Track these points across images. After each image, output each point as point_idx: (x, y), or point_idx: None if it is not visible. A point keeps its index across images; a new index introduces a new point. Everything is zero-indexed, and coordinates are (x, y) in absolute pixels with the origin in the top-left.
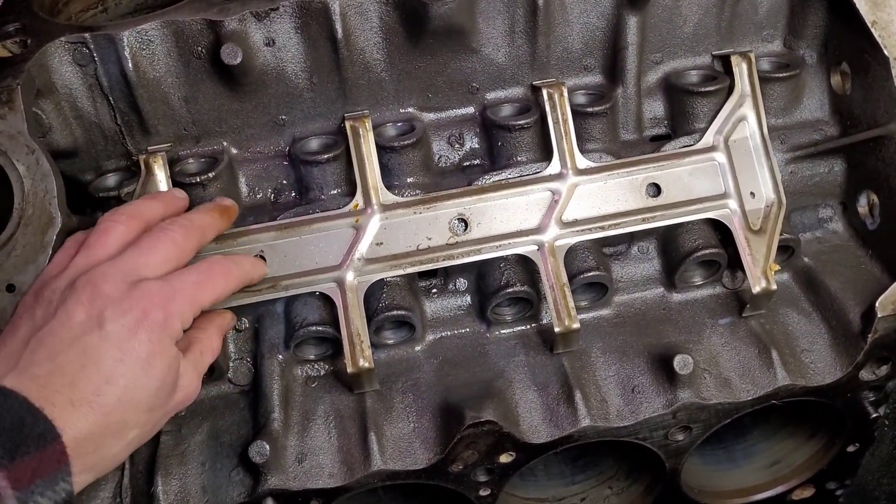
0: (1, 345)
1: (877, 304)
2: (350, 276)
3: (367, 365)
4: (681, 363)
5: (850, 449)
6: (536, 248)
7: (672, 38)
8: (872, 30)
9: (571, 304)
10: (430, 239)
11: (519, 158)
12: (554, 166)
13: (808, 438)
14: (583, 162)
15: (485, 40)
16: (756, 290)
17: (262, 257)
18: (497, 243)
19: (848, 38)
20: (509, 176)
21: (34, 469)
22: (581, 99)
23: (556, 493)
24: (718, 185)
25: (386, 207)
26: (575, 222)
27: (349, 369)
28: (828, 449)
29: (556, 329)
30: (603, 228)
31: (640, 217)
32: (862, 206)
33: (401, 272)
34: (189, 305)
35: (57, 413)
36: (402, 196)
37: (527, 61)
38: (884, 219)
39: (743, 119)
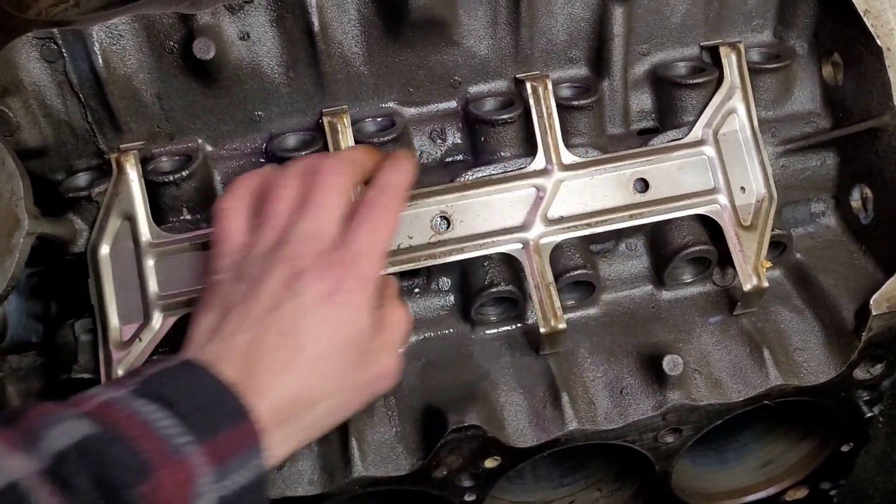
0: (199, 319)
1: (871, 302)
2: None
3: None
4: (670, 364)
5: (845, 449)
6: (521, 246)
7: (659, 29)
8: (865, 19)
9: (557, 303)
10: (411, 238)
11: (503, 154)
12: (538, 162)
13: (802, 438)
14: (568, 157)
15: (466, 32)
16: (747, 287)
17: None
18: (480, 241)
19: (839, 27)
20: (493, 172)
21: (229, 446)
22: (566, 92)
23: (545, 497)
24: (708, 180)
25: None
26: (560, 219)
27: None
28: (821, 449)
29: (542, 329)
30: (589, 225)
31: (627, 213)
32: (855, 200)
33: (382, 272)
34: (374, 258)
35: (255, 383)
36: None
37: (510, 54)
38: (877, 213)
39: (732, 112)
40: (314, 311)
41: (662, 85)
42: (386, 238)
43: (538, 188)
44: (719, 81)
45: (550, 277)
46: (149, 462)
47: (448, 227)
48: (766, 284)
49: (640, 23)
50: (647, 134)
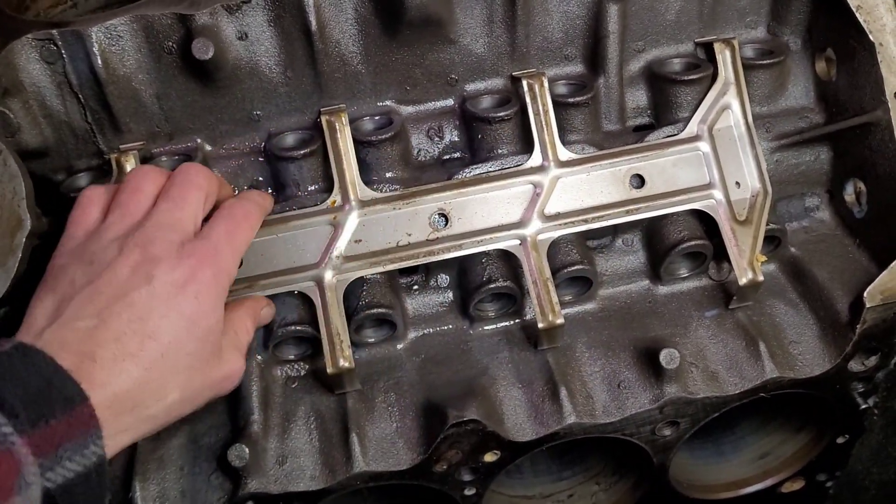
0: (37, 302)
1: (865, 295)
2: (328, 275)
3: (347, 365)
4: (667, 357)
5: (840, 440)
6: (518, 242)
7: (654, 26)
8: (857, 14)
9: (555, 298)
10: (409, 235)
11: (499, 151)
12: (535, 158)
13: (798, 430)
14: (565, 154)
15: (463, 31)
16: (742, 281)
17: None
18: (478, 238)
19: (832, 23)
20: (490, 169)
21: (61, 434)
22: (562, 89)
23: (544, 490)
24: (703, 176)
25: (364, 203)
26: (557, 215)
27: (329, 370)
28: (817, 441)
29: (540, 325)
30: (586, 221)
31: (623, 209)
32: (849, 195)
33: (381, 269)
34: (231, 256)
35: (95, 371)
36: (381, 191)
37: (506, 52)
38: (871, 207)
39: (727, 107)
40: (166, 300)
41: (657, 81)
42: (243, 241)
43: (535, 185)
44: (714, 78)
45: (548, 273)
46: None
47: (446, 225)
48: (761, 278)
49: (635, 20)
50: (642, 130)
